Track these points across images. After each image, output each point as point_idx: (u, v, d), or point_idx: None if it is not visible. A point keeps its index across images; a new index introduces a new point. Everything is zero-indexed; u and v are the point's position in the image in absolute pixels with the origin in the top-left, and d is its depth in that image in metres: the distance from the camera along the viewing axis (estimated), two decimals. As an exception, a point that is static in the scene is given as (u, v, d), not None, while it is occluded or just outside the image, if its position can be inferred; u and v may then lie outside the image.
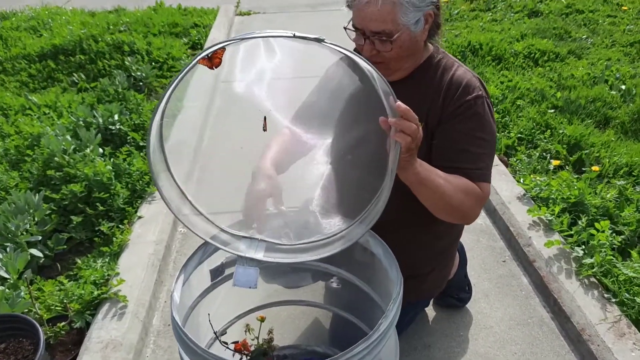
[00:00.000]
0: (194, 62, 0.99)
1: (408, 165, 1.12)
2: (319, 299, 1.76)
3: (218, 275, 1.44)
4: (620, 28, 4.62)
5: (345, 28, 1.31)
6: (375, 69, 1.02)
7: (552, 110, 3.24)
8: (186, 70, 0.98)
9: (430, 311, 1.90)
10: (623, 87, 3.48)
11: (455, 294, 1.88)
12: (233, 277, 1.20)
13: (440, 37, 1.36)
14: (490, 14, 5.13)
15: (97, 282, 1.94)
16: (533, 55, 4.11)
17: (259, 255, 1.21)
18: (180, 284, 1.26)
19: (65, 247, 2.19)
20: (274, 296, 1.65)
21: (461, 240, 1.91)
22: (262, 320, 1.55)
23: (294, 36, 0.97)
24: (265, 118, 1.14)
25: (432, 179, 1.19)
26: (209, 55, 0.99)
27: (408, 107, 1.04)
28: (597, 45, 4.32)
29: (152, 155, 1.06)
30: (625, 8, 5.07)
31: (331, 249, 1.22)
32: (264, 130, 1.15)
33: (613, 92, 3.43)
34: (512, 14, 5.08)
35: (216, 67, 1.01)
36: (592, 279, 1.86)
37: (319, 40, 0.98)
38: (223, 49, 1.00)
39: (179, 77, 0.98)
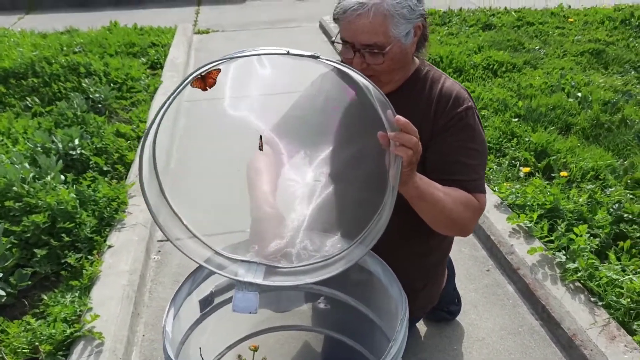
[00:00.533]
0: (185, 83, 0.93)
1: (409, 179, 1.10)
2: (307, 321, 1.70)
3: (207, 305, 1.36)
4: (569, 39, 4.83)
5: (332, 42, 1.28)
6: (372, 82, 1.00)
7: (516, 119, 3.32)
8: (178, 91, 0.92)
9: (421, 326, 1.87)
10: (579, 94, 3.63)
11: (446, 307, 1.86)
12: (232, 302, 1.14)
13: (426, 49, 1.35)
14: (446, 27, 5.26)
15: (68, 319, 1.81)
16: (492, 66, 4.23)
17: (259, 279, 1.15)
18: (171, 317, 1.18)
19: (29, 282, 2.03)
20: (264, 323, 1.58)
21: (446, 252, 1.90)
22: (255, 349, 1.47)
23: (288, 53, 0.93)
24: (261, 137, 1.09)
25: (432, 192, 1.17)
26: (202, 75, 0.93)
27: (407, 120, 1.02)
28: (550, 55, 4.50)
29: (145, 180, 0.99)
30: (572, 20, 5.32)
31: (332, 270, 1.18)
32: (260, 149, 1.10)
33: (570, 100, 3.56)
34: (467, 27, 5.23)
35: (210, 87, 0.95)
36: (577, 284, 1.88)
37: (314, 57, 0.95)
38: (218, 69, 0.94)
39: (171, 98, 0.91)
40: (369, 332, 1.44)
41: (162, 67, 4.35)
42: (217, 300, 1.39)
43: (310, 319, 1.71)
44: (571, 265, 1.91)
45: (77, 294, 1.94)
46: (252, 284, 1.15)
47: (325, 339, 1.69)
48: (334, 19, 1.28)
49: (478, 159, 1.33)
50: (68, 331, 1.72)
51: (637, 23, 5.09)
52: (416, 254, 1.52)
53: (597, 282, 1.86)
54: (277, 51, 0.94)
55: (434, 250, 1.59)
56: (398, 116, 1.02)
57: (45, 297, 1.94)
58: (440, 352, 1.76)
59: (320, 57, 0.96)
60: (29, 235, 2.17)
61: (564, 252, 2.01)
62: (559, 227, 2.12)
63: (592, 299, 1.81)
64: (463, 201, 1.24)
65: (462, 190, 1.26)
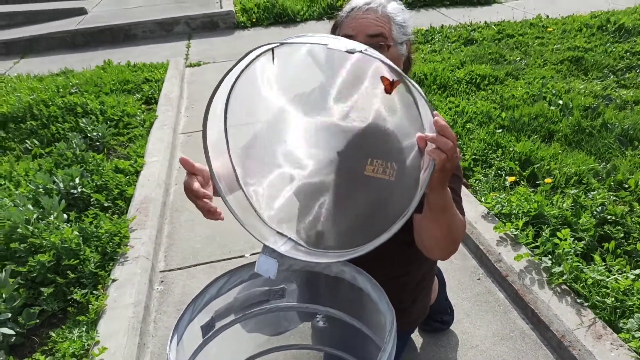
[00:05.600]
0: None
1: (439, 186, 1.09)
2: (307, 341, 1.77)
3: (209, 330, 1.44)
4: (549, 48, 4.98)
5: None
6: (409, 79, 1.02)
7: (500, 130, 3.43)
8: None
9: (417, 337, 1.94)
10: (560, 102, 3.74)
11: (439, 317, 1.93)
12: (256, 264, 1.27)
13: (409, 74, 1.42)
14: (429, 45, 5.41)
15: (76, 353, 1.88)
16: (474, 80, 4.36)
17: (283, 249, 1.27)
18: (175, 344, 1.25)
19: (37, 321, 2.10)
20: (266, 344, 1.64)
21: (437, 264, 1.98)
22: (256, 370, 1.54)
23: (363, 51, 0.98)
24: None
25: (452, 204, 1.18)
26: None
27: (446, 124, 1.01)
28: (530, 66, 4.64)
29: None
30: (550, 29, 5.48)
31: (345, 256, 1.25)
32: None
33: (552, 108, 3.68)
34: (449, 44, 5.38)
35: None
36: (564, 287, 1.96)
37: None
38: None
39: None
40: (365, 347, 1.51)
41: (156, 102, 4.47)
42: (218, 324, 1.47)
43: (310, 338, 1.78)
44: (556, 269, 1.99)
45: (84, 329, 2.01)
46: (275, 251, 1.27)
47: (324, 356, 1.76)
48: (334, 27, 1.32)
49: (457, 183, 1.38)
50: (77, 365, 1.79)
51: (613, 28, 5.24)
52: (396, 277, 1.54)
53: (582, 284, 1.94)
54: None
55: (423, 264, 1.65)
56: (438, 117, 1.01)
57: (54, 334, 2.01)
58: (437, 362, 1.84)
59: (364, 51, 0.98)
60: (35, 274, 2.24)
61: (549, 256, 2.09)
62: (543, 233, 2.20)
63: (579, 301, 1.89)
64: (463, 220, 1.27)
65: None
